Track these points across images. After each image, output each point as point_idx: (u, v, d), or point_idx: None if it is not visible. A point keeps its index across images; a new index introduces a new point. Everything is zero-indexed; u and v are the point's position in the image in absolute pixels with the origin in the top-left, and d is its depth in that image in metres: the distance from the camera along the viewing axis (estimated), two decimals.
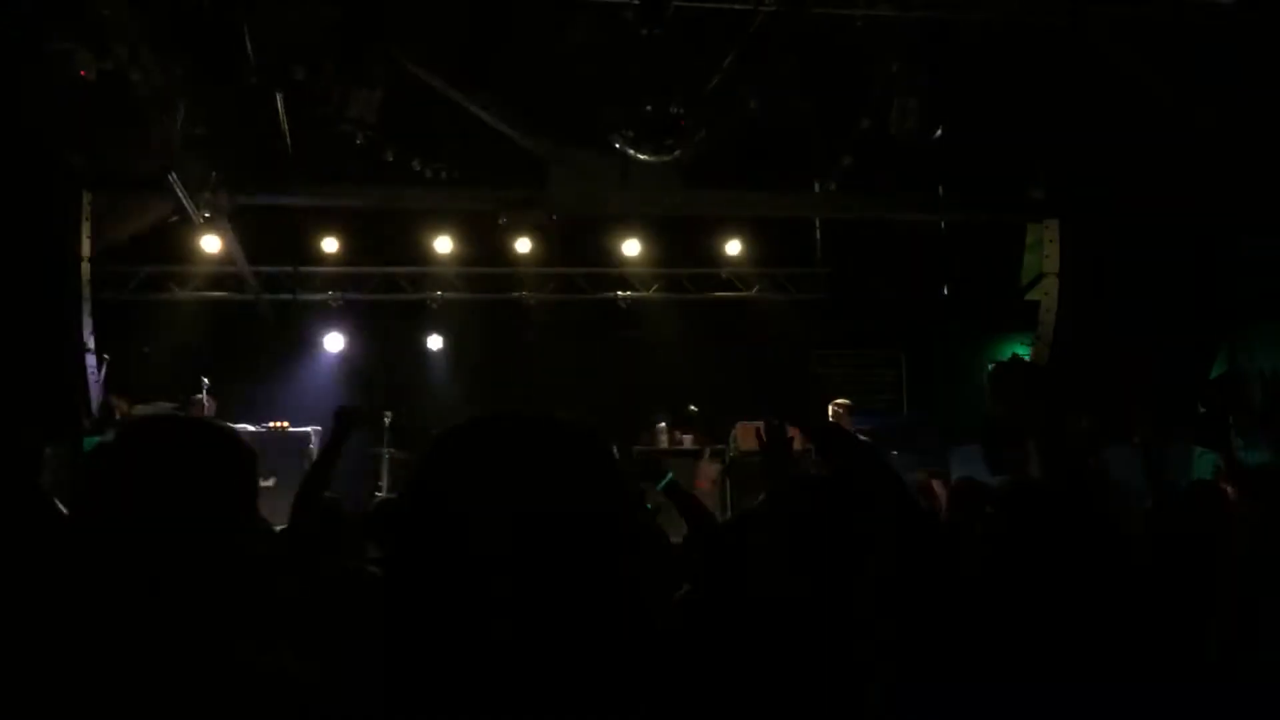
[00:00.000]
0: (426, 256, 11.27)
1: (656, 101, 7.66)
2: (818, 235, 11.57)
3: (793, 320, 11.77)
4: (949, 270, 11.21)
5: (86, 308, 8.40)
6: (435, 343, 11.91)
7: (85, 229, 8.33)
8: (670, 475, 3.91)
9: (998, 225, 10.45)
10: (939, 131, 7.68)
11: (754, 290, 11.89)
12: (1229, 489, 3.81)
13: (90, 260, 8.45)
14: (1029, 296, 10.20)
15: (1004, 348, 11.29)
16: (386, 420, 9.97)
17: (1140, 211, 8.65)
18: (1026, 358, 10.12)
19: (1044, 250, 9.60)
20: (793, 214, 10.67)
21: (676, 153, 7.94)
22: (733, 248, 11.47)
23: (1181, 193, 8.29)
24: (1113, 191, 8.74)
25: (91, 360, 8.45)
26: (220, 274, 11.03)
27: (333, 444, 3.52)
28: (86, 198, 8.28)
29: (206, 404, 8.83)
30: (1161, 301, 8.86)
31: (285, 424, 9.38)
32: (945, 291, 11.35)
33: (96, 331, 8.55)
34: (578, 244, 11.24)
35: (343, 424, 3.51)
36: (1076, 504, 2.08)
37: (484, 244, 11.04)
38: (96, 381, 8.47)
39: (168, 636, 1.45)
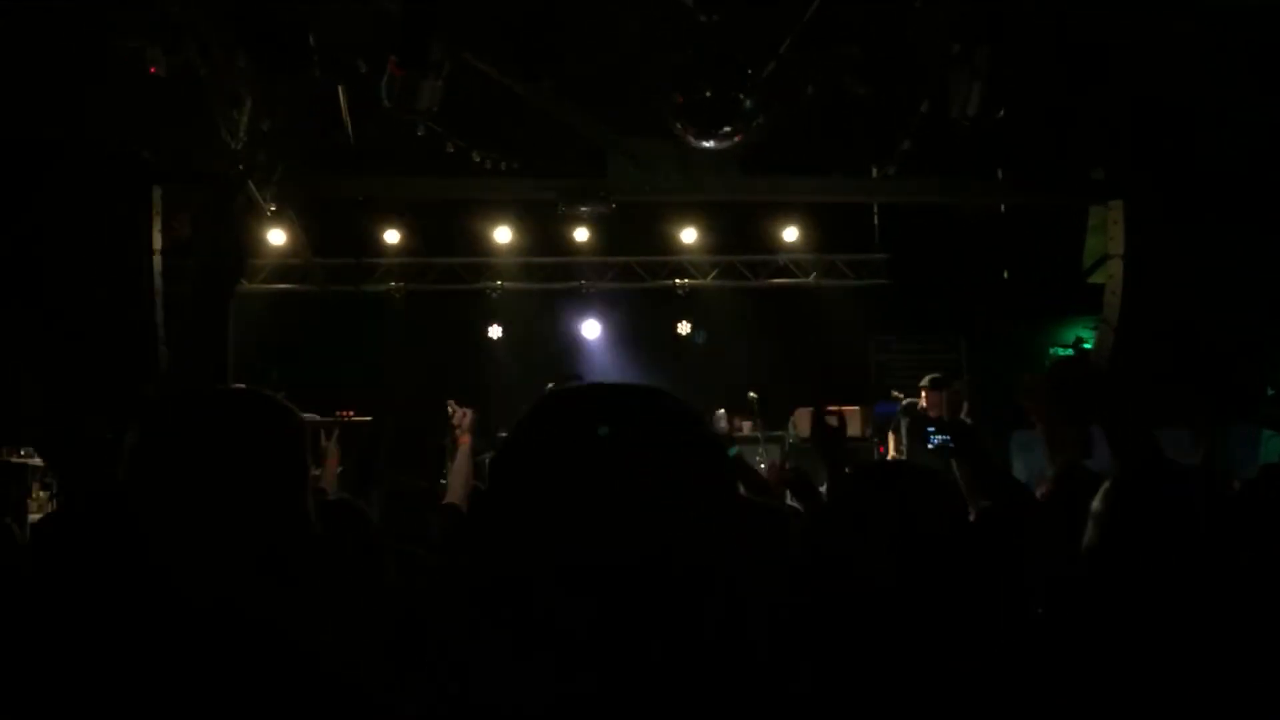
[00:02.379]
0: (487, 247, 11.39)
1: (715, 88, 7.67)
2: (876, 220, 11.51)
3: (851, 306, 11.73)
4: (1010, 254, 11.09)
5: (159, 300, 8.59)
6: (495, 332, 12.03)
7: (156, 223, 8.53)
8: (736, 448, 3.95)
9: (1059, 208, 10.32)
10: (1000, 113, 7.61)
11: (812, 276, 11.86)
12: None
13: (161, 253, 8.65)
14: (1092, 279, 10.06)
15: (1067, 332, 11.15)
16: (450, 410, 10.06)
17: (1205, 192, 8.50)
18: (1090, 343, 10.01)
19: (1108, 232, 9.46)
20: (851, 199, 10.63)
21: (735, 139, 7.94)
22: (790, 234, 11.45)
23: (1248, 173, 8.15)
24: (1177, 171, 8.60)
25: (163, 353, 8.64)
26: (286, 266, 11.24)
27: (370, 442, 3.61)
28: (157, 192, 8.47)
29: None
30: (1229, 283, 8.70)
31: (351, 413, 9.52)
32: (1006, 275, 11.23)
33: (166, 324, 8.75)
34: (636, 232, 11.29)
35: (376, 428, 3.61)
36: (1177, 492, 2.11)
37: (543, 233, 11.14)
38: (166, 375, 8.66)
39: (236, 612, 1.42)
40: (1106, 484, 2.19)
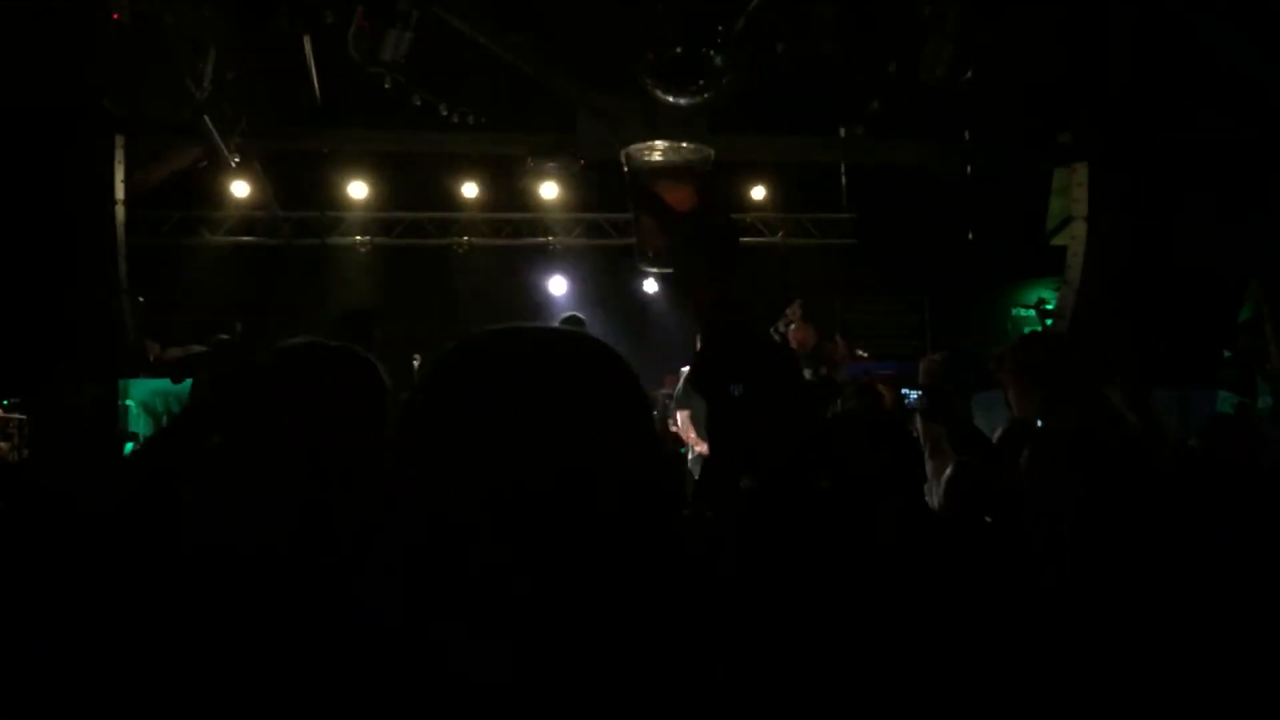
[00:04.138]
0: (455, 202, 11.33)
1: (685, 45, 7.65)
2: (843, 180, 11.55)
3: (818, 266, 11.79)
4: (975, 216, 11.17)
5: (121, 250, 8.49)
6: (463, 287, 12.00)
7: (119, 172, 8.42)
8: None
9: (1024, 170, 10.39)
10: (968, 75, 7.64)
11: (779, 235, 11.90)
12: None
13: (123, 203, 8.54)
14: (1055, 241, 10.16)
15: (1030, 293, 11.29)
16: (415, 364, 10.05)
17: (1170, 154, 8.59)
18: (1051, 303, 10.13)
19: (1071, 194, 9.55)
20: (818, 159, 10.64)
21: (704, 96, 7.93)
22: (758, 193, 11.47)
23: (1213, 135, 8.23)
24: (1142, 135, 8.68)
25: (126, 304, 8.56)
26: (250, 219, 11.13)
27: None
28: (119, 141, 8.35)
29: None
30: (1190, 246, 8.82)
31: None
32: (970, 237, 11.32)
33: (130, 274, 8.66)
34: (605, 189, 11.26)
35: None
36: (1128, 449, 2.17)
37: (511, 189, 11.09)
38: (131, 325, 8.59)
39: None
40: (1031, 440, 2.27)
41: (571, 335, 1.08)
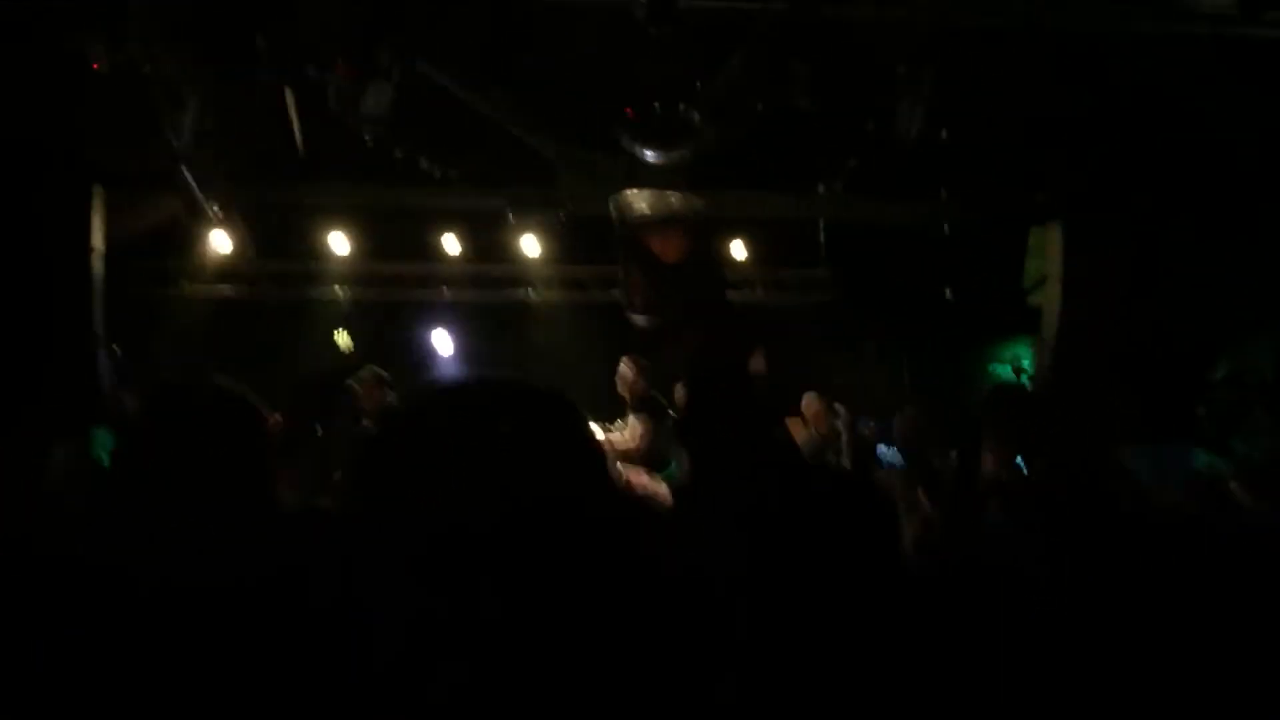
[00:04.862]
0: (435, 255, 11.34)
1: (665, 102, 7.73)
2: (821, 237, 11.61)
3: (796, 321, 11.82)
4: (952, 273, 11.25)
5: (99, 300, 8.46)
6: (442, 340, 11.99)
7: (97, 223, 8.41)
8: None
9: (1001, 229, 10.49)
10: (943, 134, 7.74)
11: (758, 291, 11.94)
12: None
13: (101, 254, 8.52)
14: (1031, 300, 10.24)
15: (1006, 350, 11.35)
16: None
17: (1144, 215, 8.70)
18: (1027, 360, 10.19)
19: (1046, 253, 9.64)
20: (797, 215, 10.72)
21: (684, 153, 8.00)
22: (737, 248, 11.52)
23: (1186, 196, 8.34)
24: (1116, 195, 8.79)
25: (103, 355, 8.50)
26: (229, 270, 11.11)
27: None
28: (98, 191, 8.35)
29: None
30: (1165, 304, 8.90)
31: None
32: (948, 294, 11.39)
33: (107, 326, 8.61)
34: (586, 245, 11.30)
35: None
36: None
37: (492, 244, 11.11)
38: (107, 376, 8.53)
39: None
40: None
41: (518, 383, 1.12)
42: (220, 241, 10.04)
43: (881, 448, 7.33)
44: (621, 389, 8.00)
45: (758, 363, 7.69)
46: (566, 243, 10.97)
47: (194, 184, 7.90)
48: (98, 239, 8.44)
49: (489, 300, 11.90)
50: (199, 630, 1.40)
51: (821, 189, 9.54)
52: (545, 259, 11.28)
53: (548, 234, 10.57)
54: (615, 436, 7.56)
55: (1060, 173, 9.22)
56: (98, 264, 8.46)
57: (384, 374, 8.08)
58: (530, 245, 10.88)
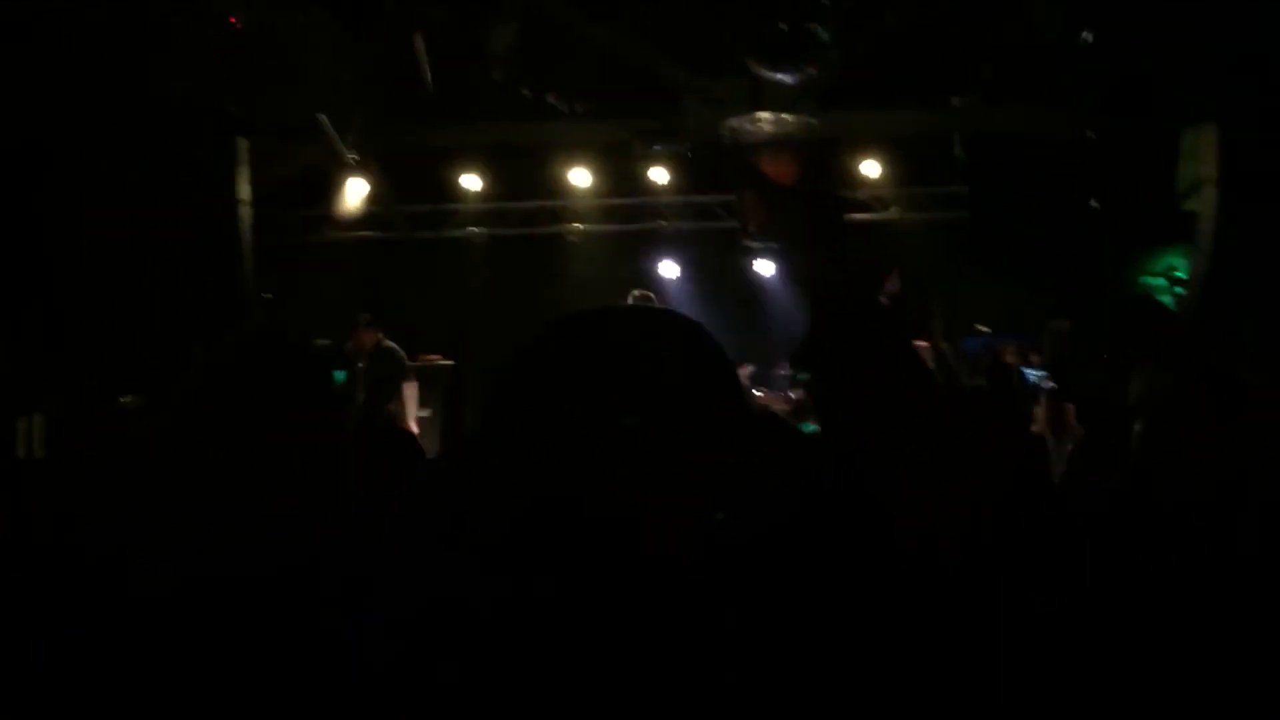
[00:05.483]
0: (565, 189, 11.42)
1: (790, 20, 7.55)
2: (957, 152, 11.25)
3: (933, 240, 11.53)
4: (1099, 183, 10.77)
5: (247, 248, 8.80)
6: (576, 274, 12.10)
7: (243, 174, 8.72)
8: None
9: (1151, 132, 9.97)
10: (1085, 37, 7.38)
11: (892, 210, 11.67)
12: None
13: (249, 203, 8.85)
14: (1185, 206, 9.74)
15: (1159, 261, 10.84)
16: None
17: None
18: (1182, 271, 9.73)
19: (1200, 156, 9.14)
20: (931, 131, 10.40)
21: (812, 72, 7.82)
22: (869, 168, 11.25)
23: None
24: (1274, 91, 8.25)
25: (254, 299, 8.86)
26: (368, 214, 11.41)
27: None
28: (243, 143, 8.65)
29: (367, 337, 8.93)
30: None
31: (439, 357, 9.66)
32: (1095, 205, 10.92)
33: (258, 273, 8.97)
34: (714, 171, 11.20)
35: None
36: None
37: (620, 175, 11.12)
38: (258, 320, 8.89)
39: None
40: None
41: (653, 311, 1.16)
42: (358, 187, 10.29)
43: (1029, 371, 7.17)
44: None
45: (893, 284, 7.55)
46: (695, 171, 10.91)
47: (332, 132, 8.11)
48: (244, 190, 8.74)
49: (619, 231, 11.95)
50: (201, 628, 1.38)
51: (956, 102, 9.21)
52: (673, 187, 11.24)
53: (675, 163, 10.51)
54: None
55: (1213, 69, 8.69)
56: (245, 213, 8.78)
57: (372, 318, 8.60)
58: (659, 175, 10.86)
